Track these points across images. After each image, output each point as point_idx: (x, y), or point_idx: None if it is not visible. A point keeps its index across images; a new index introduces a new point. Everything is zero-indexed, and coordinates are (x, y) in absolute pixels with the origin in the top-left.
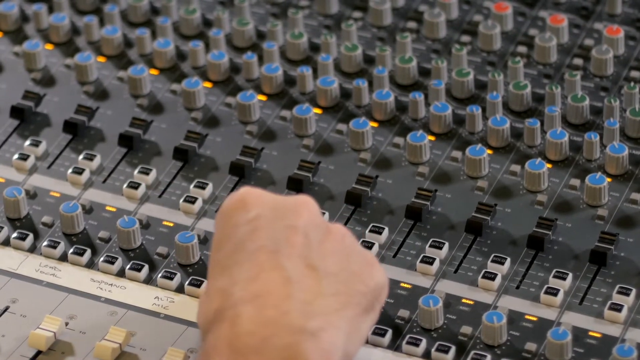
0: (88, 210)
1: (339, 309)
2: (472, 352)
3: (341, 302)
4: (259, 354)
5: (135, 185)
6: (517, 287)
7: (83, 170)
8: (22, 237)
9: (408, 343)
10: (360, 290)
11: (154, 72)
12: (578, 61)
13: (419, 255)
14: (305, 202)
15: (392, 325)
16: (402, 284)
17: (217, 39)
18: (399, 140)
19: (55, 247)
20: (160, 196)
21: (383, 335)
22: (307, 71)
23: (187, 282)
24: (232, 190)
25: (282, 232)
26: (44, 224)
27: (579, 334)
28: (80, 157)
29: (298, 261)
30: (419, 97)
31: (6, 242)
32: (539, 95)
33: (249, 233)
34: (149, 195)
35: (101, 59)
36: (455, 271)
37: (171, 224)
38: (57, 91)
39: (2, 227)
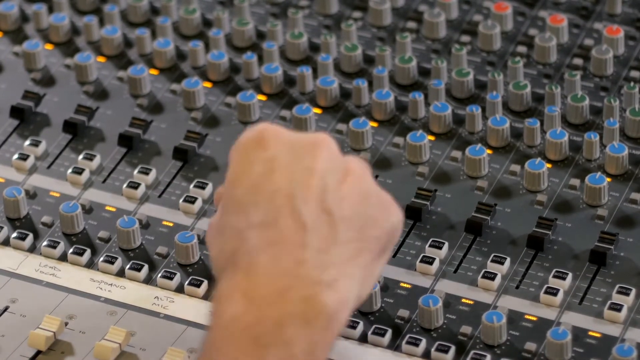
0: (88, 210)
1: (353, 256)
2: (472, 352)
3: (356, 249)
4: (275, 305)
5: (135, 185)
6: (517, 287)
7: (83, 170)
8: (22, 237)
9: (408, 343)
10: (374, 235)
11: (153, 72)
12: (578, 61)
13: (418, 255)
14: (323, 141)
15: (392, 325)
16: (401, 284)
17: (217, 39)
18: (398, 140)
19: (55, 247)
20: (160, 196)
21: (383, 335)
22: (307, 71)
23: (186, 282)
24: None
25: (300, 174)
26: (44, 224)
27: (579, 334)
28: (80, 157)
29: (314, 205)
30: (419, 97)
31: (6, 242)
32: (539, 95)
33: (266, 174)
34: (148, 195)
35: (101, 59)
36: (455, 271)
37: (171, 224)
38: (57, 91)
39: (1, 227)
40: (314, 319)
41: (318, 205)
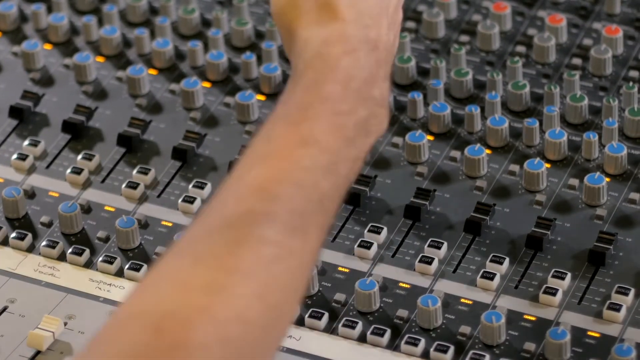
0: (87, 210)
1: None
2: (471, 352)
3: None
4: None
5: (134, 185)
6: (516, 287)
7: (82, 170)
8: (21, 237)
9: (407, 343)
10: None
11: (152, 72)
12: (577, 61)
13: (417, 255)
14: None
15: (391, 325)
16: (400, 284)
17: (215, 39)
18: (397, 140)
19: (54, 247)
20: (159, 196)
21: (382, 335)
22: None
23: None
24: None
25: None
26: (43, 224)
27: (578, 334)
28: (79, 157)
29: None
30: (418, 96)
31: (5, 242)
32: (538, 95)
33: None
34: (147, 195)
35: (100, 59)
36: (454, 271)
37: (170, 224)
38: (55, 91)
39: (0, 227)
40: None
41: None
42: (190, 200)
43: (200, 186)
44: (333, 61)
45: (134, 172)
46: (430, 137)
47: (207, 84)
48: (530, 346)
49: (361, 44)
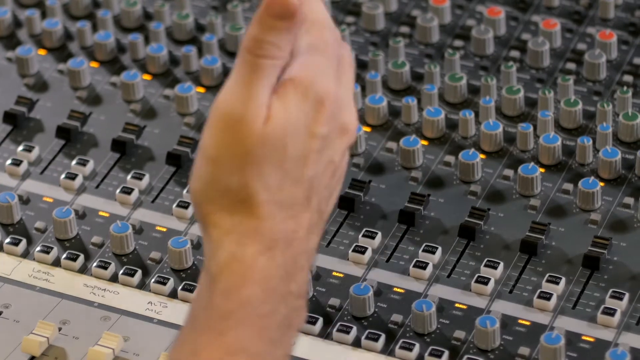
0: (81, 215)
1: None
2: (465, 356)
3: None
4: None
5: (128, 191)
6: (510, 292)
7: (76, 175)
8: (15, 243)
9: (401, 348)
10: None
11: (147, 77)
12: (571, 65)
13: (412, 260)
14: None
15: (385, 330)
16: (395, 289)
17: (210, 44)
18: (391, 144)
19: (48, 253)
20: (153, 201)
21: (376, 340)
22: None
23: (180, 287)
24: None
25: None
26: (37, 230)
27: (572, 339)
28: (73, 162)
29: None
30: (412, 101)
31: None
32: (532, 100)
33: None
34: (142, 201)
35: (94, 64)
36: (449, 276)
37: (164, 229)
38: (50, 96)
39: None
40: None
41: None
42: (184, 205)
43: None
44: (248, 262)
45: (128, 177)
46: (425, 142)
47: (201, 89)
48: (524, 351)
49: (276, 242)
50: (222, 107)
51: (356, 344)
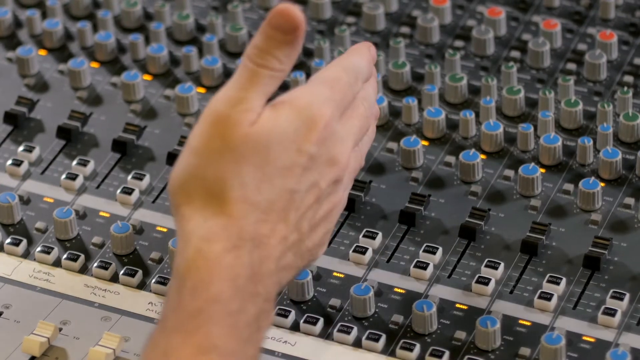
0: (82, 215)
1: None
2: (466, 357)
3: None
4: None
5: (128, 191)
6: (511, 292)
7: (76, 175)
8: (16, 243)
9: (402, 348)
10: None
11: (147, 77)
12: (571, 66)
13: (412, 260)
14: None
15: (386, 330)
16: (395, 289)
17: (210, 44)
18: (392, 145)
19: (48, 253)
20: (153, 201)
21: (377, 340)
22: (300, 76)
23: None
24: None
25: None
26: (38, 230)
27: (573, 339)
28: (74, 162)
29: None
30: (413, 102)
31: (0, 248)
32: (533, 100)
33: None
34: (142, 201)
35: (94, 65)
36: (449, 276)
37: (165, 229)
38: (50, 97)
39: None
40: None
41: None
42: None
43: None
44: (214, 259)
45: (129, 177)
46: (425, 142)
47: (201, 90)
48: (525, 351)
49: (243, 241)
50: (213, 105)
51: (357, 344)
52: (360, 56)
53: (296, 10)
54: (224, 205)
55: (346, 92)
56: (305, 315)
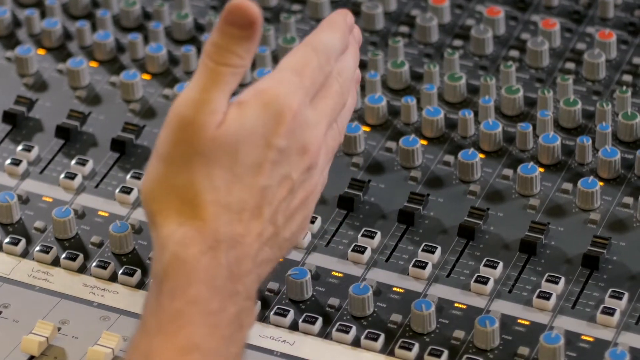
0: (80, 215)
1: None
2: (465, 356)
3: None
4: None
5: (127, 190)
6: (510, 291)
7: (75, 175)
8: (15, 242)
9: (401, 347)
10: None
11: (146, 77)
12: (570, 65)
13: (411, 260)
14: None
15: (385, 330)
16: (394, 288)
17: None
18: (391, 144)
19: (47, 252)
20: None
21: (376, 339)
22: None
23: None
24: None
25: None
26: (37, 229)
27: (572, 338)
28: (73, 162)
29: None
30: (411, 101)
31: None
32: (531, 100)
33: None
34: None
35: (93, 64)
36: (448, 275)
37: None
38: (49, 96)
39: None
40: None
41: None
42: None
43: None
44: (191, 262)
45: (128, 177)
46: (424, 142)
47: None
48: (524, 350)
49: (219, 242)
50: (177, 109)
51: (355, 343)
52: (332, 31)
53: (251, 5)
54: (197, 210)
55: (316, 76)
56: (304, 314)
